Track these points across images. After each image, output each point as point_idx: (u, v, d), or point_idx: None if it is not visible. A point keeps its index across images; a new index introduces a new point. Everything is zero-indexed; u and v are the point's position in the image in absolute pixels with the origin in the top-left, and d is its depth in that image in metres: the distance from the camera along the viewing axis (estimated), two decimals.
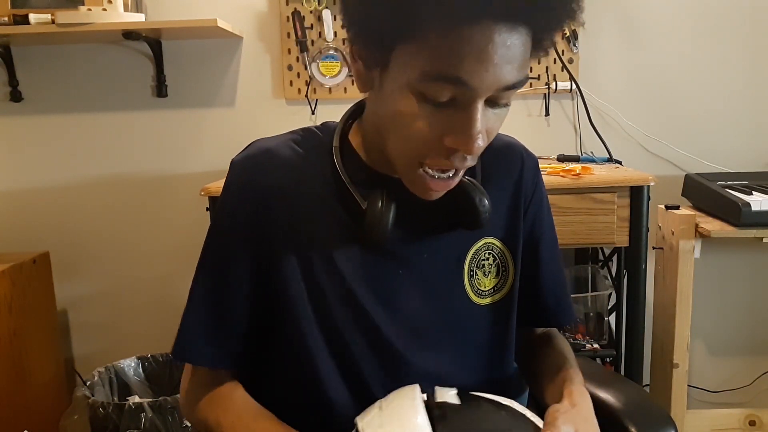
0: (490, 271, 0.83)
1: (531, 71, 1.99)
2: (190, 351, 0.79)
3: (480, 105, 0.63)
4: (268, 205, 0.76)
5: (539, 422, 0.69)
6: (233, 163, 0.79)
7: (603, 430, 0.75)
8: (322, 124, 0.84)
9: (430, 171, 0.69)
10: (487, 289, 0.83)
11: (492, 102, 0.65)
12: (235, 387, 0.80)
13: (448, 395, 0.68)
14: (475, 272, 0.81)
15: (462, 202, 0.76)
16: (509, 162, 0.85)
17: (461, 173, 0.71)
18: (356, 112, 0.82)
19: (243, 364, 0.81)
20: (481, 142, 0.65)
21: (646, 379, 1.87)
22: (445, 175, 0.69)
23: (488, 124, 0.66)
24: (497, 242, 0.83)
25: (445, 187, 0.71)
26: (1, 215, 2.10)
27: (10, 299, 1.78)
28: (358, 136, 0.80)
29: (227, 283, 0.78)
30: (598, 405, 0.86)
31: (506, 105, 0.67)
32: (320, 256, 0.76)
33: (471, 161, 0.69)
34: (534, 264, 0.87)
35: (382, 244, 0.74)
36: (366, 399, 0.73)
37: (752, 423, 2.09)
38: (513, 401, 0.72)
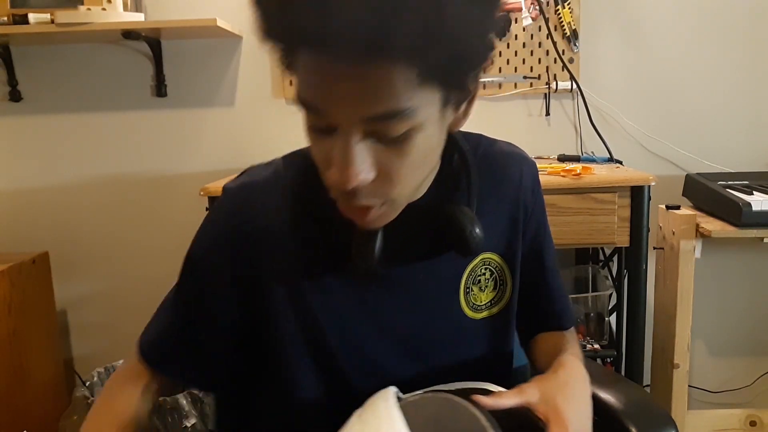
0: (486, 286, 0.82)
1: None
2: (149, 346, 0.80)
3: (354, 138, 0.57)
4: (254, 244, 0.74)
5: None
6: (224, 193, 0.77)
7: (603, 430, 0.75)
8: (295, 158, 0.81)
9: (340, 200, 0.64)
10: (484, 303, 0.82)
11: (378, 135, 0.58)
12: (136, 391, 0.79)
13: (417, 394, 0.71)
14: (471, 288, 0.80)
15: (453, 230, 0.72)
16: (508, 172, 0.82)
17: (375, 210, 0.64)
18: None
19: (193, 381, 0.81)
20: (363, 178, 0.58)
21: (646, 379, 1.87)
22: (359, 204, 0.63)
23: (382, 162, 0.59)
24: (495, 256, 0.82)
25: (362, 218, 0.65)
26: (1, 215, 2.10)
27: (9, 299, 1.78)
28: None
29: (199, 318, 0.77)
30: (599, 405, 0.86)
31: (403, 140, 0.59)
32: (309, 288, 0.74)
33: (367, 199, 0.62)
34: (539, 271, 0.87)
35: (371, 270, 0.71)
36: None
37: (753, 423, 2.09)
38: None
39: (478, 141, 0.83)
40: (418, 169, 0.64)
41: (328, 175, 0.60)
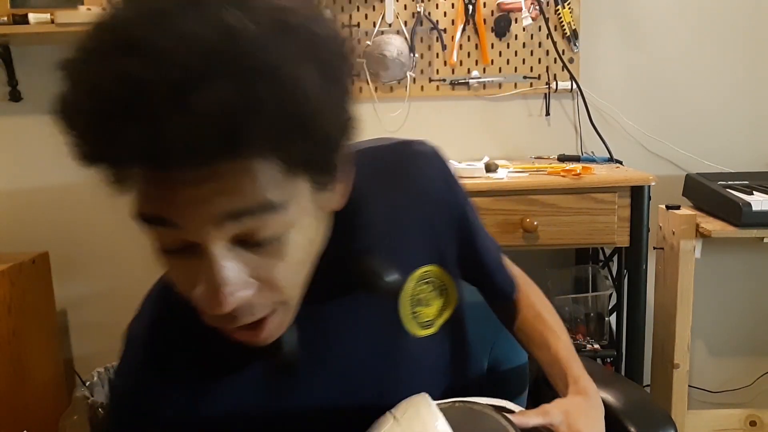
0: (430, 299, 0.76)
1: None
2: None
3: (219, 250, 0.49)
4: (162, 384, 0.65)
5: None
6: (130, 332, 0.70)
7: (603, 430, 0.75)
8: None
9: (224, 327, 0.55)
10: (432, 317, 0.77)
11: (246, 241, 0.50)
12: None
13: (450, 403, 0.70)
14: (416, 310, 0.75)
15: (360, 280, 0.66)
16: (414, 178, 0.73)
17: (269, 322, 0.55)
18: None
19: None
20: (241, 296, 0.50)
21: (646, 379, 1.87)
22: (248, 322, 0.54)
23: (259, 270, 0.51)
24: (429, 268, 0.75)
25: (256, 336, 0.55)
26: (1, 215, 2.10)
27: (9, 299, 1.78)
28: None
29: None
30: None
31: (278, 242, 0.51)
32: (221, 398, 0.66)
33: (251, 313, 0.53)
34: (475, 258, 0.82)
35: (288, 361, 0.63)
36: None
37: (753, 423, 2.08)
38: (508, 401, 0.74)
39: (373, 155, 0.74)
40: (303, 266, 0.56)
41: (196, 297, 0.51)
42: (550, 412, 0.71)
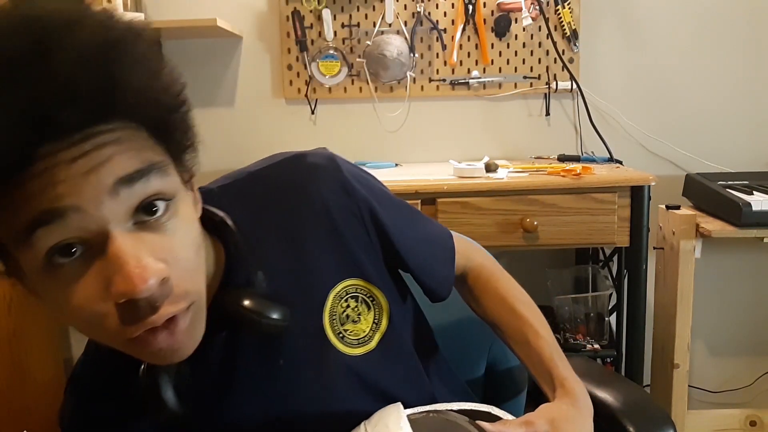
0: (359, 313, 0.72)
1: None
2: None
3: (117, 231, 0.49)
4: None
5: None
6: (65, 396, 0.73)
7: (602, 430, 0.74)
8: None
9: (139, 336, 0.53)
10: (367, 332, 0.72)
11: (142, 214, 0.51)
12: None
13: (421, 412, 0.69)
14: (343, 330, 0.70)
15: (248, 323, 0.63)
16: (307, 195, 0.70)
17: (184, 317, 0.54)
18: None
19: None
20: (150, 281, 0.49)
21: (646, 379, 1.87)
22: (157, 325, 0.52)
23: (163, 252, 0.51)
24: (348, 282, 0.71)
25: (172, 339, 0.54)
26: None
27: (9, 299, 1.78)
28: None
29: None
30: (598, 405, 0.86)
31: (167, 217, 0.52)
32: None
33: (171, 302, 0.52)
34: (397, 258, 0.76)
35: (172, 414, 0.62)
36: None
37: (753, 423, 2.09)
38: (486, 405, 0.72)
39: (265, 177, 0.72)
40: (197, 261, 0.56)
41: (113, 298, 0.50)
42: (535, 422, 0.67)
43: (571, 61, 1.98)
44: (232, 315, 0.62)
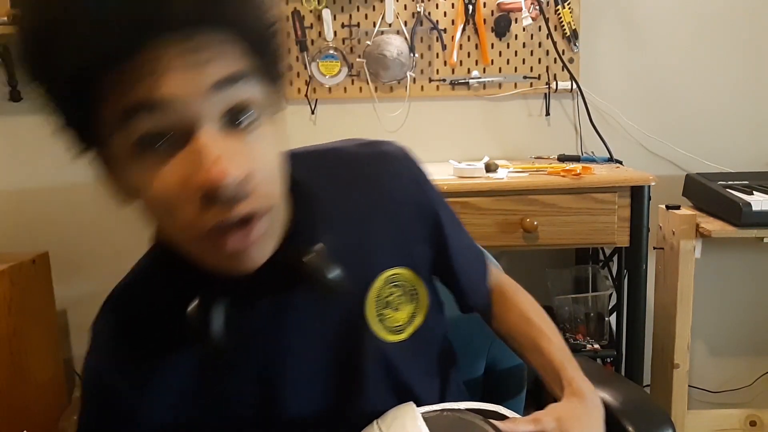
0: (401, 303, 0.75)
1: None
2: None
3: (206, 128, 0.52)
4: (117, 367, 0.69)
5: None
6: (92, 327, 0.74)
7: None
8: (148, 252, 0.77)
9: (214, 235, 0.55)
10: (403, 322, 0.75)
11: (230, 121, 0.54)
12: None
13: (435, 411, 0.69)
14: (383, 313, 0.73)
15: (307, 276, 0.64)
16: (376, 181, 0.73)
17: (259, 223, 0.56)
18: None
19: None
20: (230, 176, 0.51)
21: (646, 379, 1.87)
22: (233, 222, 0.54)
23: (245, 156, 0.54)
24: (400, 270, 0.74)
25: (246, 240, 0.56)
26: (1, 215, 2.10)
27: (9, 299, 1.78)
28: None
29: None
30: None
31: (251, 123, 0.55)
32: (168, 387, 0.69)
33: (249, 203, 0.55)
34: (447, 261, 0.80)
35: (216, 349, 0.63)
36: None
37: (753, 423, 2.08)
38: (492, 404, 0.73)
39: (339, 155, 0.75)
40: (275, 162, 0.59)
41: (192, 187, 0.52)
42: (542, 419, 0.69)
43: (571, 61, 1.98)
44: (292, 268, 0.63)
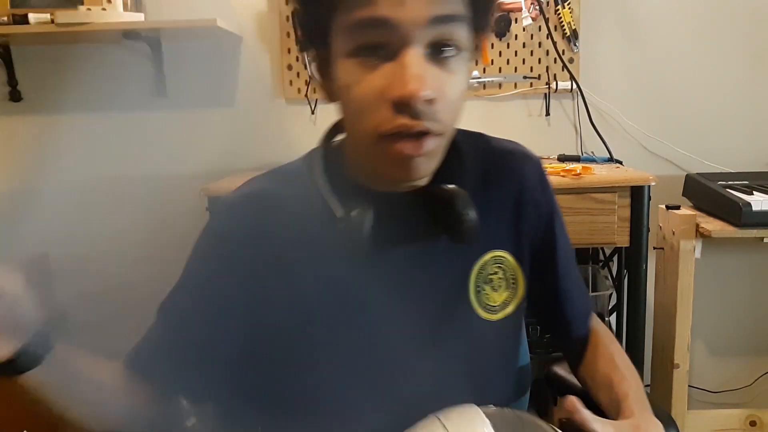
0: (500, 286, 0.80)
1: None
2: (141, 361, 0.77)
3: (414, 50, 0.62)
4: (257, 246, 0.74)
5: None
6: (221, 205, 0.78)
7: None
8: (308, 153, 0.82)
9: (393, 138, 0.64)
10: (498, 304, 0.80)
11: (434, 51, 0.63)
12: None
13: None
14: (483, 288, 0.79)
15: (447, 213, 0.72)
16: (510, 170, 0.82)
17: (430, 141, 0.65)
18: (334, 131, 0.80)
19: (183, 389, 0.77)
20: (424, 92, 0.61)
21: (646, 379, 1.87)
22: (410, 136, 0.64)
23: (438, 83, 0.63)
24: (506, 254, 0.80)
25: (416, 150, 0.65)
26: (1, 215, 2.10)
27: None
28: (343, 154, 0.78)
29: (207, 307, 0.75)
30: (597, 405, 0.86)
31: (455, 54, 0.64)
32: (310, 283, 0.74)
33: (429, 121, 0.64)
34: (551, 274, 0.85)
35: (360, 249, 0.69)
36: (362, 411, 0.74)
37: (753, 423, 2.08)
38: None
39: (478, 138, 0.83)
40: (459, 102, 0.67)
41: (388, 96, 0.62)
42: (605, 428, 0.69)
43: (571, 61, 1.98)
44: (436, 201, 0.72)
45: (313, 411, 0.76)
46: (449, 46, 0.64)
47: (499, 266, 0.80)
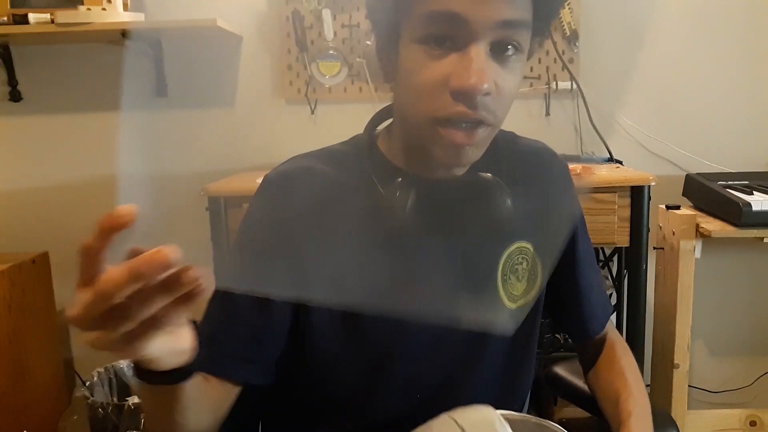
0: (523, 276, 0.83)
1: (531, 70, 1.99)
2: (221, 364, 0.73)
3: (480, 46, 0.65)
4: (302, 221, 0.75)
5: None
6: (268, 179, 0.78)
7: (603, 430, 0.75)
8: (351, 139, 0.86)
9: (448, 124, 0.68)
10: (520, 293, 0.83)
11: (497, 49, 0.67)
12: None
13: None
14: (509, 277, 0.82)
15: (484, 200, 0.75)
16: (538, 168, 0.86)
17: (482, 131, 0.69)
18: (378, 119, 0.83)
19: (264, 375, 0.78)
20: (485, 85, 0.65)
21: (646, 379, 1.87)
22: (465, 125, 0.68)
23: (497, 78, 0.67)
24: (530, 246, 0.83)
25: (469, 139, 0.68)
26: (1, 215, 2.10)
27: (9, 299, 1.78)
28: (386, 141, 0.81)
29: (264, 297, 0.74)
30: (598, 405, 0.86)
31: (512, 61, 0.68)
32: (351, 258, 0.75)
33: (485, 112, 0.67)
34: (570, 272, 0.87)
35: (401, 228, 0.73)
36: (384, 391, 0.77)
37: (753, 423, 2.08)
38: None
39: (510, 135, 0.87)
40: (512, 99, 0.71)
41: (450, 86, 0.66)
42: None
43: (571, 61, 1.98)
44: (473, 187, 0.75)
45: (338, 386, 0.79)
46: (512, 47, 0.68)
47: (524, 257, 0.83)
